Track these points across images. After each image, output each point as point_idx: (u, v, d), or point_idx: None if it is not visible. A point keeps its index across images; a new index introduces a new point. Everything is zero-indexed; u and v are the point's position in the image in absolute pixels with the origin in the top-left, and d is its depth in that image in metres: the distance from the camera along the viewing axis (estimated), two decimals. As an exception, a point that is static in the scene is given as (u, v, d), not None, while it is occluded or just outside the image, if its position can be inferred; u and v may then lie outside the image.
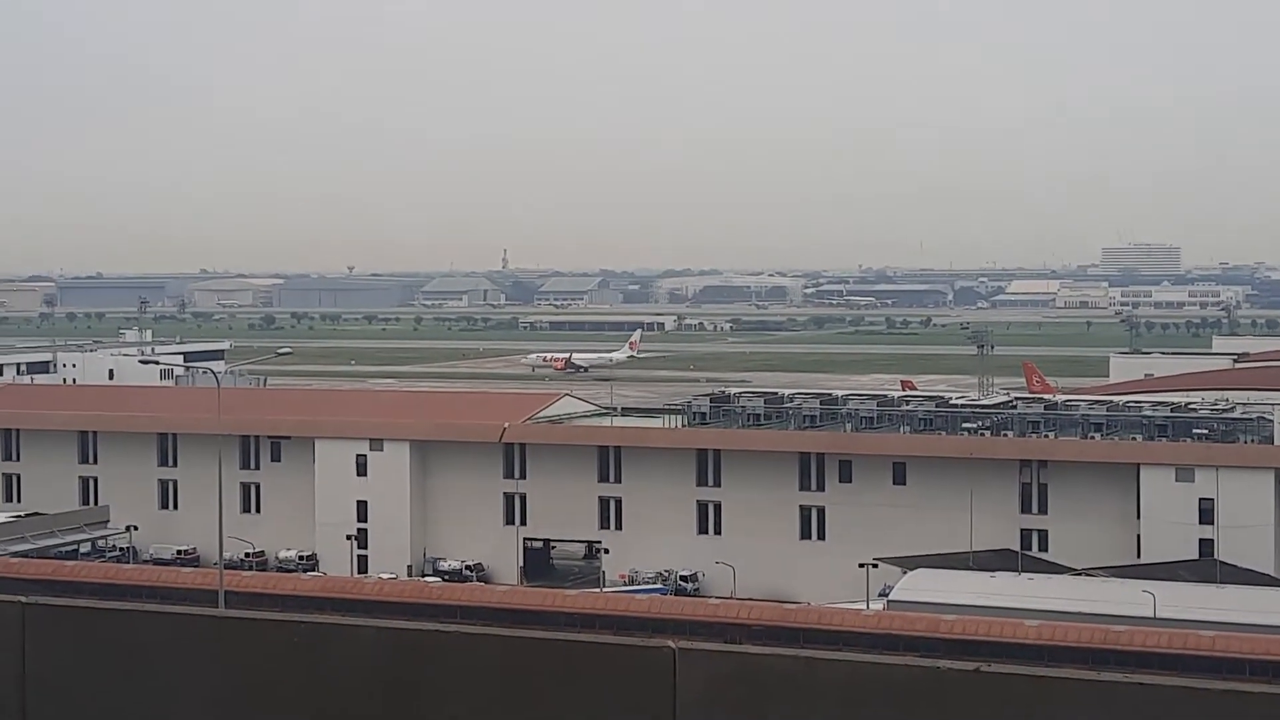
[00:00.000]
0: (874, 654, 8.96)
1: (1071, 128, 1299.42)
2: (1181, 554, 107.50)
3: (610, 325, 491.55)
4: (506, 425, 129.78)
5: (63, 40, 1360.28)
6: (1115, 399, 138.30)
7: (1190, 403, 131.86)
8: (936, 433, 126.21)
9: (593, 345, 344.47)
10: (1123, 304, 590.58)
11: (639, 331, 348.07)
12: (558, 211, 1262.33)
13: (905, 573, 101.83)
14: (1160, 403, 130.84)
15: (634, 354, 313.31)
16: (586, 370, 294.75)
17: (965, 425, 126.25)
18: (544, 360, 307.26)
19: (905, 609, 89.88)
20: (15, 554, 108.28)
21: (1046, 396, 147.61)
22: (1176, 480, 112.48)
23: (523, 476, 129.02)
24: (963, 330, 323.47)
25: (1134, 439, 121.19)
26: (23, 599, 10.67)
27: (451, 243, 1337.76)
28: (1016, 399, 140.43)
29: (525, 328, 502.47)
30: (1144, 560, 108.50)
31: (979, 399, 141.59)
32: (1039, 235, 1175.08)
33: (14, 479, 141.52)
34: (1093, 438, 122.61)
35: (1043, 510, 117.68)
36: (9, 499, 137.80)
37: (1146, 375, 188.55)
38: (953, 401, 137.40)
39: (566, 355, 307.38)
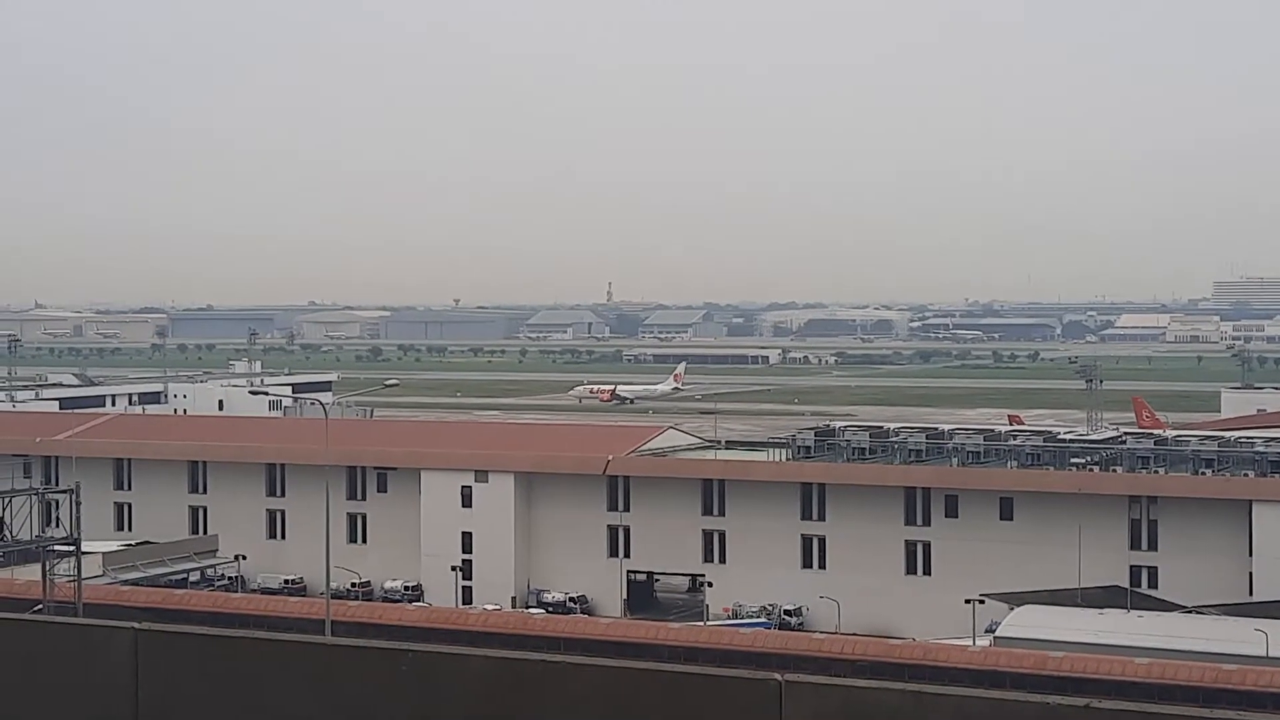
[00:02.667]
0: (982, 690, 8.85)
1: (1182, 159, 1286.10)
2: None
3: (714, 358, 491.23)
4: (610, 458, 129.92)
5: (177, 88, 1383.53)
6: (1227, 434, 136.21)
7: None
8: (1044, 468, 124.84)
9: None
10: (1235, 338, 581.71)
11: (683, 364, 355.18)
12: (662, 245, 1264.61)
13: (1012, 609, 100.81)
14: (1273, 439, 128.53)
15: (678, 386, 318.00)
16: (632, 402, 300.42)
17: (1073, 460, 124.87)
18: (590, 392, 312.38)
19: (1012, 645, 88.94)
20: (126, 582, 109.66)
21: (1156, 432, 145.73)
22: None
23: (626, 509, 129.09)
24: (1071, 364, 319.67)
25: (1246, 475, 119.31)
26: (135, 625, 10.81)
27: (556, 275, 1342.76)
28: (1126, 434, 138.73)
29: (629, 360, 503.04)
30: (1256, 598, 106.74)
31: (1088, 434, 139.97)
32: (1149, 269, 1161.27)
33: (125, 508, 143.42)
34: (1204, 474, 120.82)
35: (1152, 547, 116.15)
36: (120, 528, 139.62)
37: (1259, 410, 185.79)
38: (1061, 436, 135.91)
39: (612, 387, 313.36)
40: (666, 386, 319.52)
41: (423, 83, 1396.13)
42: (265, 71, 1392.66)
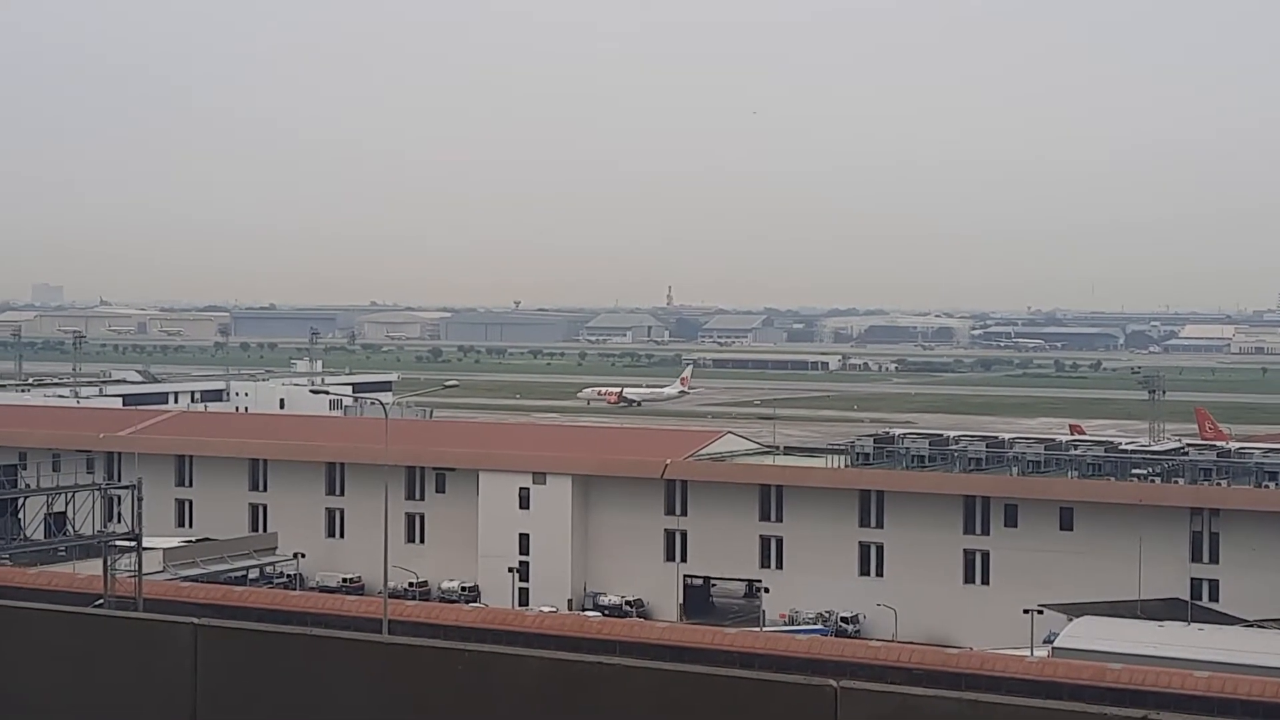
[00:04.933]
0: (1039, 700, 8.82)
1: (1249, 167, 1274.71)
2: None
3: (774, 363, 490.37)
4: (669, 461, 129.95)
5: (236, 89, 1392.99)
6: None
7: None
8: (1105, 478, 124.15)
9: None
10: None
11: (690, 367, 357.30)
12: (723, 248, 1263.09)
13: (1071, 620, 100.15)
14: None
15: (685, 390, 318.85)
16: (639, 405, 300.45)
17: (1135, 471, 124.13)
18: (598, 394, 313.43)
19: (1071, 656, 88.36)
20: (186, 578, 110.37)
21: (1219, 443, 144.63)
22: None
23: (684, 513, 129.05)
24: (1134, 374, 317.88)
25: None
26: (195, 620, 10.89)
27: (617, 278, 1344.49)
28: (1188, 445, 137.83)
29: (689, 364, 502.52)
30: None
31: (1150, 445, 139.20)
32: (1214, 279, 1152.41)
33: (187, 504, 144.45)
34: (1267, 486, 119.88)
35: (1214, 559, 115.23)
36: (181, 524, 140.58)
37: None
38: (1122, 447, 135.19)
39: (619, 390, 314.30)
40: (673, 390, 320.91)
41: (482, 81, 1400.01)
42: (332, 72, 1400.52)
